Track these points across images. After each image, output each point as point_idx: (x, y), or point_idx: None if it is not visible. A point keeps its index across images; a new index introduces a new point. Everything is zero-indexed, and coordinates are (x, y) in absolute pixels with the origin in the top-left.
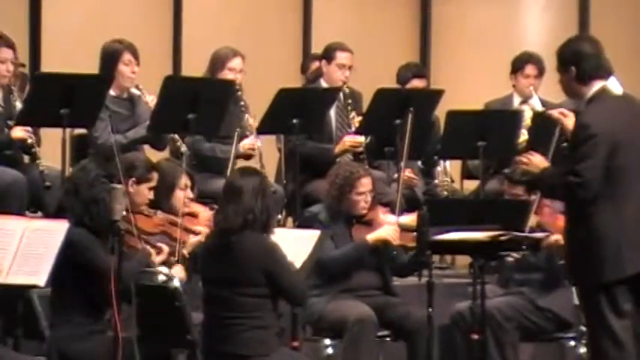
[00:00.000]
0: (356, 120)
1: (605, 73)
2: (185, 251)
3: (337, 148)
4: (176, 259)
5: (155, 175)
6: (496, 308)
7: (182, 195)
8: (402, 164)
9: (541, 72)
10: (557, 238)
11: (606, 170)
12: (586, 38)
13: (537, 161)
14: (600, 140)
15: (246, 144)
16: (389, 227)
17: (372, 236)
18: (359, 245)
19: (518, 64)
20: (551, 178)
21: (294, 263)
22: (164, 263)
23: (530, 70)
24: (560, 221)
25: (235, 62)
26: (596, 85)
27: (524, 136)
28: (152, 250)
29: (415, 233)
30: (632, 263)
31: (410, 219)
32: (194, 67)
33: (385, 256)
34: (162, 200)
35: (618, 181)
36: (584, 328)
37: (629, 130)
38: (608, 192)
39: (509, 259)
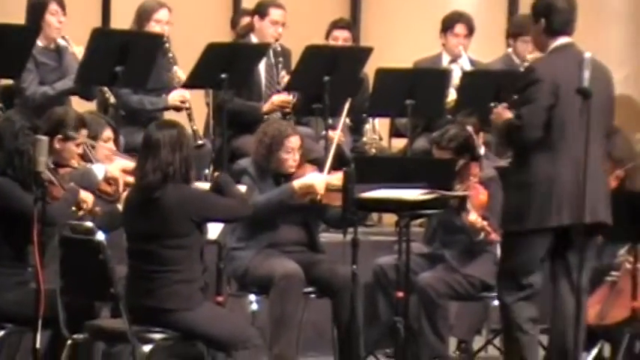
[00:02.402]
0: (285, 79)
1: (571, 30)
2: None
3: (265, 107)
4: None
5: (84, 132)
6: (429, 285)
7: (105, 147)
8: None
9: (471, 31)
10: (472, 220)
11: (547, 119)
12: None
13: (504, 115)
14: (543, 86)
15: (175, 96)
16: (315, 174)
17: (297, 182)
18: (284, 189)
19: (448, 23)
20: (502, 124)
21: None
22: (88, 215)
23: (459, 29)
24: (483, 196)
25: (162, 14)
26: (560, 39)
27: (452, 95)
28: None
29: (340, 192)
30: (557, 215)
31: (336, 178)
32: (122, 19)
33: (312, 211)
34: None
35: (557, 133)
36: None
37: (570, 80)
38: (547, 142)
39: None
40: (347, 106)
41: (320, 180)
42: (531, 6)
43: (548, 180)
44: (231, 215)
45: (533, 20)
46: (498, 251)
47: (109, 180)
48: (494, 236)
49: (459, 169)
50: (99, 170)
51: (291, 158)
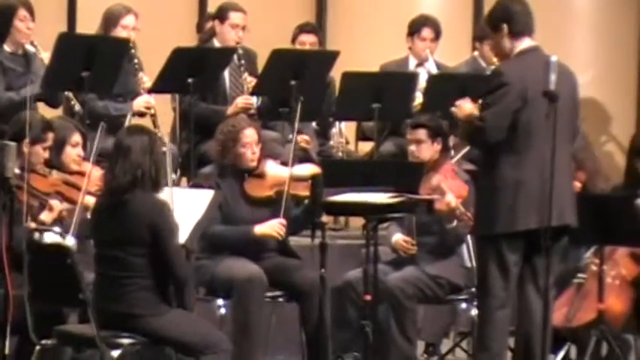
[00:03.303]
0: (248, 81)
1: (532, 31)
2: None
3: (229, 110)
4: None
5: (51, 135)
6: (398, 287)
7: (73, 152)
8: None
9: (437, 35)
10: (448, 201)
11: (513, 122)
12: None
13: (467, 108)
14: (510, 90)
15: (140, 102)
16: (274, 223)
17: (259, 229)
18: (244, 232)
19: (415, 27)
20: (465, 126)
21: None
22: (57, 221)
23: (426, 33)
24: (464, 191)
25: (128, 19)
26: (525, 42)
27: (419, 99)
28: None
29: (307, 182)
30: (524, 219)
31: (304, 169)
32: (88, 24)
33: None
34: (52, 157)
35: (523, 136)
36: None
37: (536, 83)
38: (513, 145)
39: (402, 254)
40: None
41: (280, 228)
42: (487, 17)
43: (515, 184)
44: (174, 261)
45: (492, 29)
46: (465, 253)
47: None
48: (468, 219)
49: (433, 162)
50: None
51: (248, 151)
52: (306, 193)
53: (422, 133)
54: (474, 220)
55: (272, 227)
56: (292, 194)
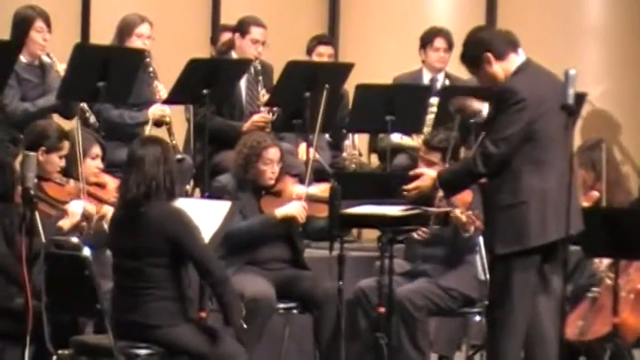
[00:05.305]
0: (265, 97)
1: (515, 44)
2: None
3: (245, 126)
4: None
5: (66, 144)
6: (407, 298)
7: (92, 165)
8: (315, 137)
9: (450, 46)
10: (459, 213)
11: (532, 134)
12: (478, 29)
13: (425, 180)
14: (527, 105)
15: (156, 110)
16: (297, 203)
17: (280, 211)
18: (265, 219)
19: (427, 38)
20: (453, 173)
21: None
22: (75, 228)
23: (439, 43)
24: (468, 196)
25: (143, 28)
26: (515, 58)
27: (432, 113)
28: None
29: (324, 204)
30: (555, 229)
31: (319, 189)
32: (101, 35)
33: (296, 228)
34: (71, 168)
35: (543, 146)
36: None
37: (553, 97)
38: (534, 156)
39: (415, 235)
40: (319, 121)
41: (301, 209)
42: (465, 56)
43: (542, 194)
44: (206, 259)
45: (478, 63)
46: (479, 265)
47: (86, 216)
48: (479, 224)
49: None
50: (77, 207)
51: (269, 170)
52: (321, 214)
53: (436, 157)
54: (495, 238)
55: (295, 208)
56: (309, 215)
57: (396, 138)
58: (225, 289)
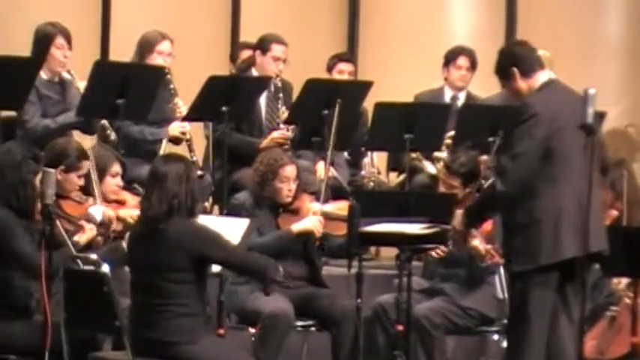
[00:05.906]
0: (285, 114)
1: (542, 65)
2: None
3: (263, 143)
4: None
5: (86, 164)
6: (424, 317)
7: (112, 182)
8: (329, 153)
9: (473, 65)
10: (478, 244)
11: (548, 151)
12: (515, 42)
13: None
14: (540, 120)
15: (176, 127)
16: (314, 218)
17: (296, 227)
18: (283, 235)
19: (451, 56)
20: (477, 203)
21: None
22: (90, 243)
23: (462, 61)
24: (488, 225)
25: (164, 45)
26: (541, 76)
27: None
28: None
29: (340, 221)
30: (569, 247)
31: (336, 207)
32: (121, 51)
33: (314, 246)
34: (91, 186)
35: (559, 164)
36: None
37: (569, 114)
38: (550, 174)
39: (433, 254)
40: (332, 136)
41: (318, 224)
42: (496, 67)
43: (556, 213)
44: (242, 261)
45: (505, 77)
46: (498, 284)
47: (106, 222)
48: (498, 258)
49: (462, 198)
50: (96, 212)
51: (286, 187)
52: (337, 232)
53: (456, 181)
54: (512, 257)
55: (312, 223)
56: (326, 233)
57: (432, 169)
58: (271, 273)
